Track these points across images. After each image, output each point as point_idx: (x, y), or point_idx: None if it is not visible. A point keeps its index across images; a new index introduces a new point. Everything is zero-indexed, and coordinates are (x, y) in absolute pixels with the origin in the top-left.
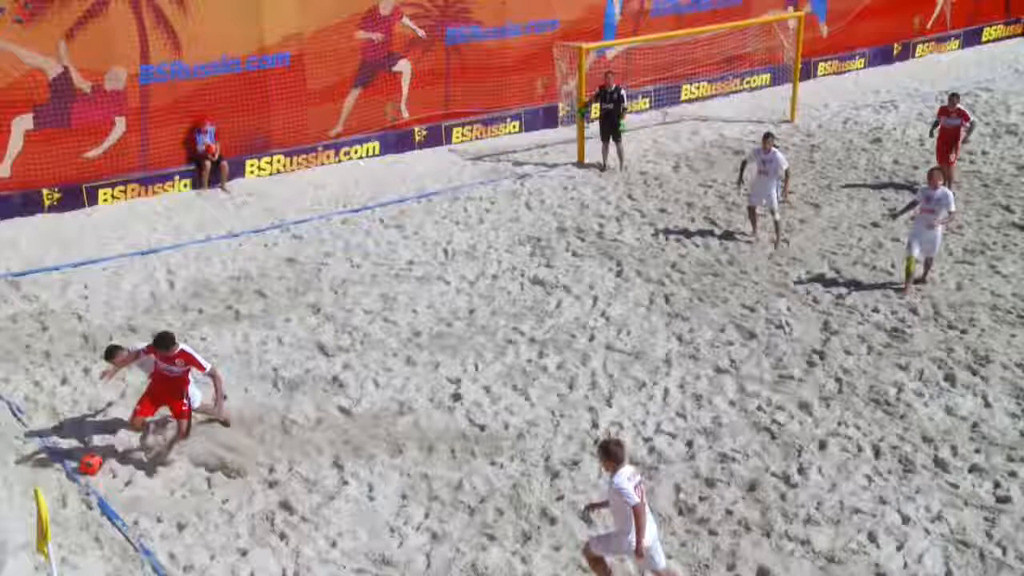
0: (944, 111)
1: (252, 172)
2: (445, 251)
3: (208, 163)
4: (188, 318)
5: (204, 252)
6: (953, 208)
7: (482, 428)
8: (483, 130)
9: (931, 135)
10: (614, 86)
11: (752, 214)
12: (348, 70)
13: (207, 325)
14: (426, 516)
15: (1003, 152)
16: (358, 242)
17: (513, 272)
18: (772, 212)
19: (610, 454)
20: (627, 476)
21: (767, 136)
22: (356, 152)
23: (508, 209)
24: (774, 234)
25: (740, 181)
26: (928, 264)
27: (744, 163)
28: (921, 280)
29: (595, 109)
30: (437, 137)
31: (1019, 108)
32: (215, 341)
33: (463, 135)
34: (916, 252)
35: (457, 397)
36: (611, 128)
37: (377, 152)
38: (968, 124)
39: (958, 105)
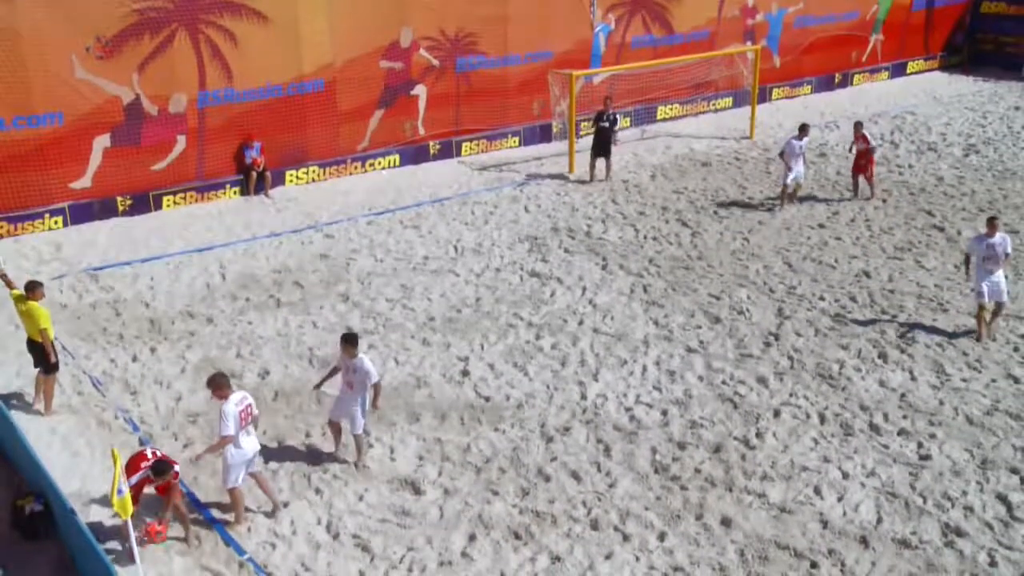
0: (855, 136)
1: (292, 181)
2: (455, 248)
3: (254, 173)
4: (237, 305)
5: (250, 249)
6: (1010, 251)
7: (487, 399)
8: (488, 144)
9: (849, 151)
10: (611, 111)
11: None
12: (373, 94)
13: (253, 311)
14: (439, 474)
15: (925, 166)
16: (381, 240)
17: (513, 266)
18: None
19: (216, 384)
20: (235, 402)
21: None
22: (380, 163)
23: (509, 212)
24: None
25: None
26: (998, 310)
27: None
28: (988, 324)
29: (584, 127)
30: (449, 151)
31: (938, 129)
32: (259, 325)
33: (471, 149)
34: (986, 299)
35: (466, 373)
36: (603, 145)
37: (398, 164)
38: (870, 147)
39: (862, 131)
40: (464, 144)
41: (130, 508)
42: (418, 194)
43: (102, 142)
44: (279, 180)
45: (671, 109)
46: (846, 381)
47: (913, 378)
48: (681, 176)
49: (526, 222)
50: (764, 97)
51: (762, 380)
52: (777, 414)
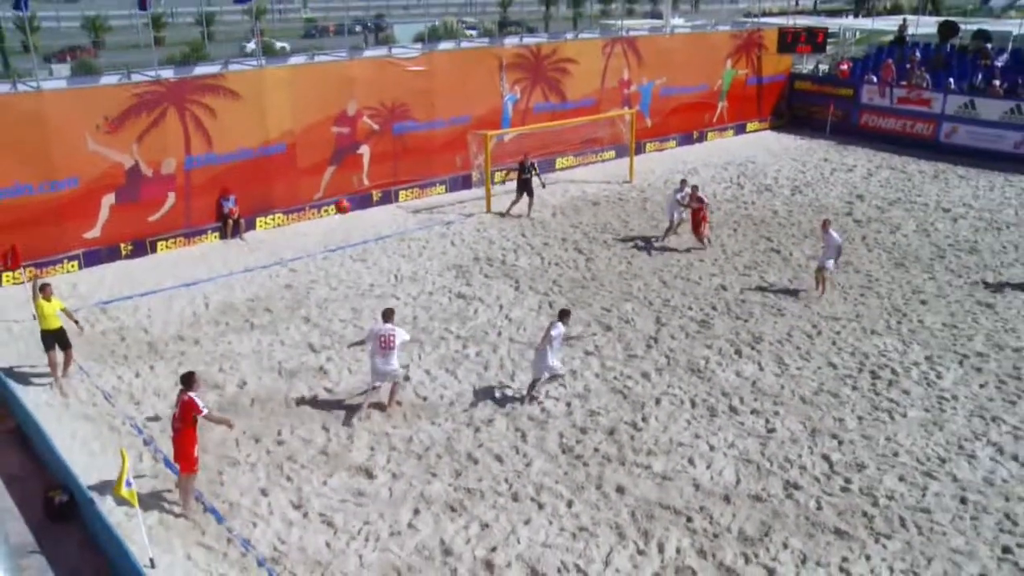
0: (691, 196)
1: (261, 226)
2: (395, 276)
3: (231, 221)
4: (219, 329)
5: (229, 283)
6: (840, 242)
7: (425, 399)
8: (420, 192)
9: (686, 205)
10: (530, 161)
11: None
12: (326, 153)
13: (232, 334)
14: (388, 461)
15: (764, 203)
16: (335, 272)
17: (443, 290)
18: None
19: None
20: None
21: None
22: (332, 210)
23: (439, 246)
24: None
25: None
26: (826, 274)
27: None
28: (823, 283)
29: (499, 176)
30: (388, 198)
31: (772, 174)
32: (237, 345)
33: (406, 196)
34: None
35: (407, 378)
36: (526, 188)
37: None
38: (704, 205)
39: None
40: (401, 192)
41: (136, 498)
42: (364, 234)
43: (109, 200)
44: (251, 225)
45: (567, 160)
46: (711, 373)
47: (761, 368)
48: (576, 213)
49: (453, 254)
50: (640, 150)
51: (645, 375)
52: (658, 402)
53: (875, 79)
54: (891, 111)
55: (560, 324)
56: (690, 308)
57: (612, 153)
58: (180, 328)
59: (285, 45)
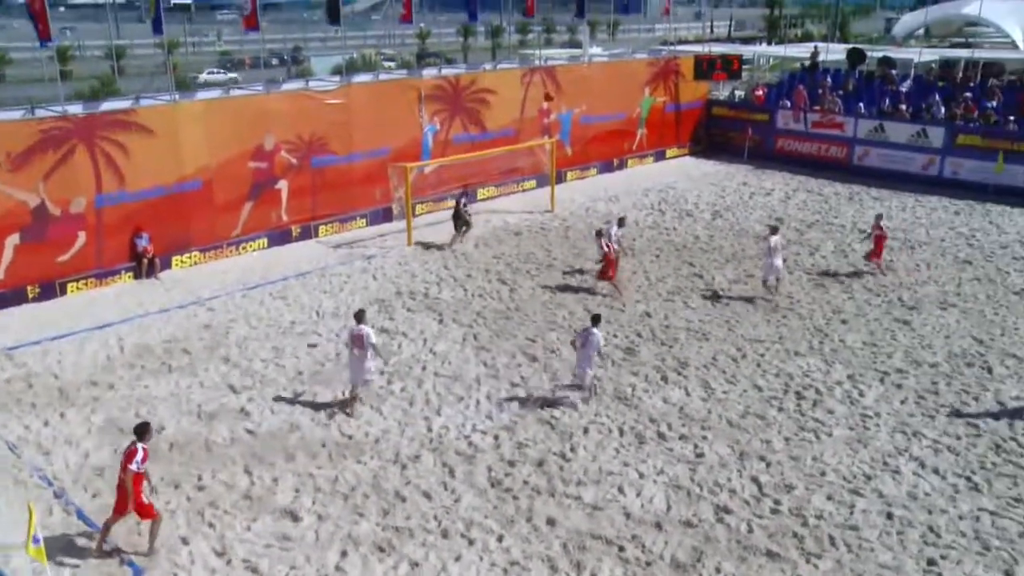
0: (598, 241)
1: (177, 265)
2: (317, 313)
3: (145, 260)
4: (134, 372)
5: (144, 324)
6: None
7: (350, 437)
8: (340, 226)
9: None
10: (466, 192)
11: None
12: (244, 189)
13: (148, 377)
14: (313, 503)
15: (686, 228)
16: (254, 310)
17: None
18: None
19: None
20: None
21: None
22: (251, 247)
23: (360, 281)
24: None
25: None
26: (777, 284)
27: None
28: (774, 293)
29: (420, 208)
30: (308, 233)
31: (692, 200)
32: (154, 388)
33: (326, 231)
34: (770, 279)
35: (331, 416)
36: (459, 219)
37: (266, 246)
38: (611, 251)
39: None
40: (320, 227)
41: (44, 555)
42: (284, 270)
43: (13, 240)
44: (166, 264)
45: (488, 191)
46: (638, 400)
47: (688, 394)
48: (499, 244)
49: (374, 288)
50: (561, 178)
51: (572, 404)
52: (586, 431)
53: (789, 104)
54: (806, 135)
55: (596, 330)
56: (615, 336)
57: (533, 183)
58: (93, 372)
59: (236, 76)
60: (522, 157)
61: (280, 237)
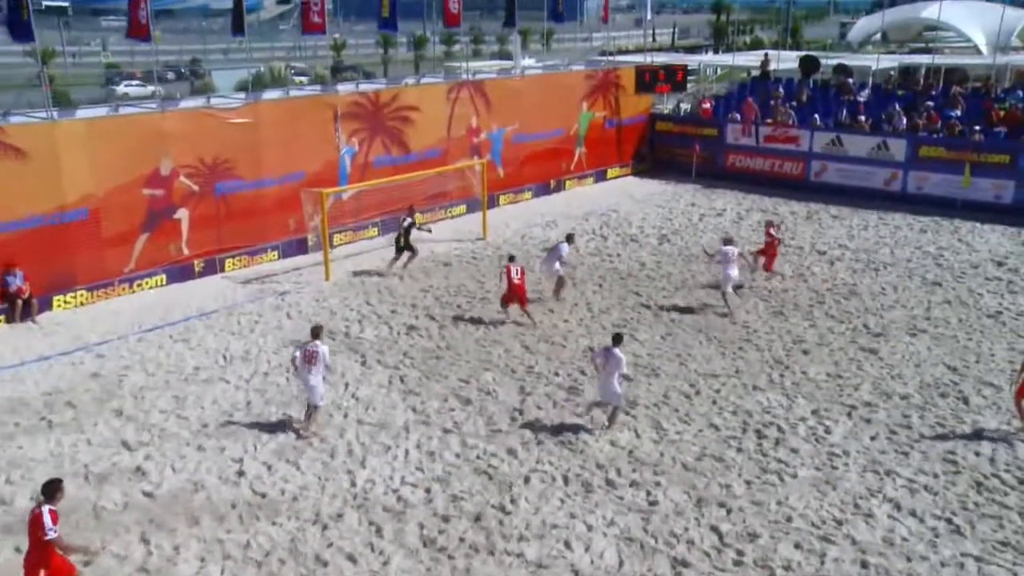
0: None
1: (59, 306)
2: (224, 357)
3: (19, 301)
4: (5, 431)
5: (19, 375)
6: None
7: (263, 496)
8: (249, 260)
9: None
10: (409, 216)
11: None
12: (137, 219)
13: (22, 435)
14: (222, 572)
15: (630, 254)
16: (152, 355)
17: (280, 369)
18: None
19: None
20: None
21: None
22: (147, 284)
23: (273, 320)
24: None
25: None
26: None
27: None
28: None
29: (337, 238)
30: (213, 267)
31: (637, 223)
32: (30, 448)
33: (234, 264)
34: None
35: (241, 473)
36: (403, 244)
37: (165, 283)
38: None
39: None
40: (227, 260)
41: None
42: (186, 309)
43: None
44: (46, 305)
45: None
46: (583, 444)
47: (638, 435)
48: (427, 276)
49: (289, 328)
50: (493, 203)
51: (512, 451)
52: (527, 480)
53: (739, 118)
54: (758, 151)
55: (617, 350)
56: (556, 374)
57: (463, 208)
58: None
59: (159, 89)
60: (450, 180)
61: (181, 273)
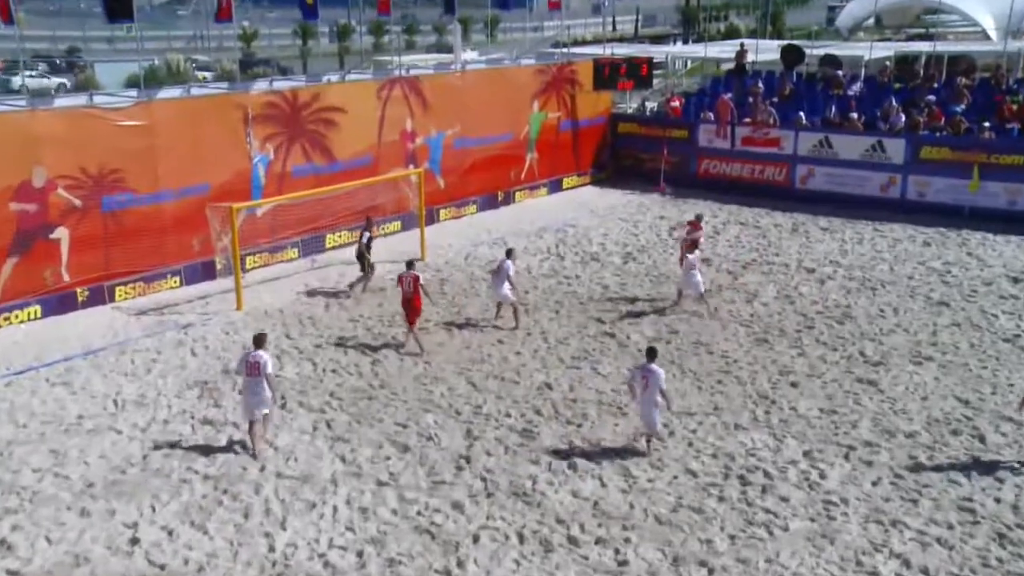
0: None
1: None
2: (115, 402)
3: None
4: None
5: None
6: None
7: (162, 567)
8: (145, 287)
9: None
10: (366, 236)
11: None
12: (3, 240)
13: None
14: None
15: (591, 276)
16: (23, 403)
17: (183, 415)
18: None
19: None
20: None
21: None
22: (17, 317)
23: (174, 357)
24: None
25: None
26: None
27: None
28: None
29: (251, 261)
30: (100, 296)
31: (598, 240)
32: None
33: (126, 293)
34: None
35: (135, 541)
36: (364, 260)
37: (39, 315)
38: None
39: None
40: (118, 288)
41: None
42: (66, 347)
43: None
44: None
45: (340, 236)
46: (540, 496)
47: (603, 484)
48: (356, 304)
49: (194, 366)
50: (432, 218)
51: (458, 506)
52: (476, 539)
53: (712, 117)
54: (735, 155)
55: (655, 366)
56: (508, 415)
57: (397, 224)
58: None
59: (65, 81)
60: (382, 193)
61: (60, 303)
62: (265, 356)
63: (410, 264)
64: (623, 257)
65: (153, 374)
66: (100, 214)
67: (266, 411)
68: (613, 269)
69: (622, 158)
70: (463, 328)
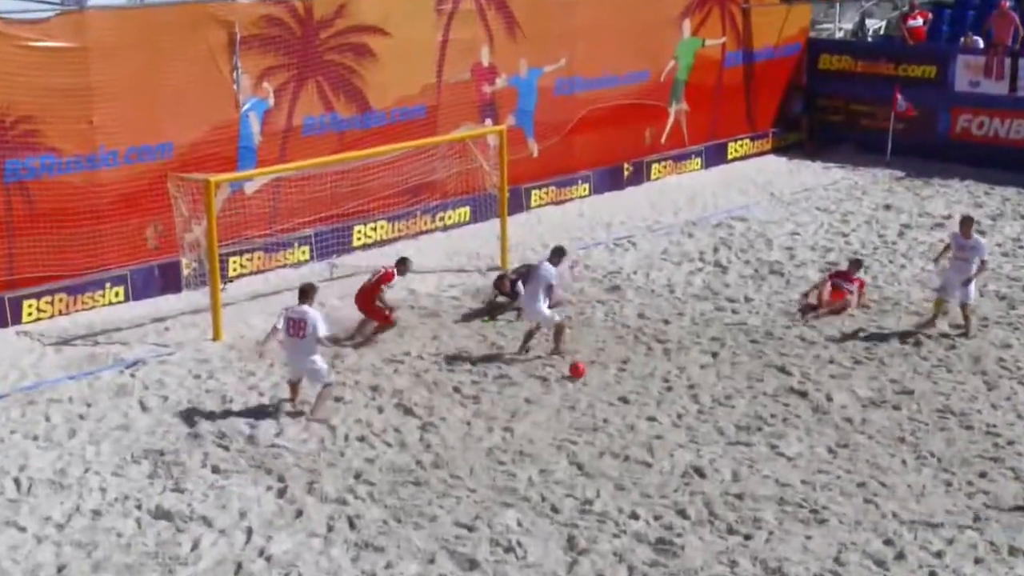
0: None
1: None
2: (16, 482)
3: None
4: None
5: None
6: (986, 256)
7: None
8: (70, 301)
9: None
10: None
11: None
12: None
13: None
14: None
15: (769, 297)
16: None
17: (125, 503)
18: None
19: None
20: None
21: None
22: None
23: (114, 412)
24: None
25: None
26: (966, 315)
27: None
28: (964, 334)
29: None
30: (2, 315)
31: (782, 242)
32: None
33: (39, 310)
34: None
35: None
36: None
37: None
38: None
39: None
40: (25, 303)
41: None
42: None
43: None
44: None
45: (375, 229)
46: None
47: None
48: (398, 337)
49: (143, 427)
50: (519, 204)
51: None
52: None
53: (981, 43)
54: (1017, 104)
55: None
56: (634, 516)
57: (464, 212)
58: None
59: None
60: (443, 162)
61: None
62: (313, 313)
63: (404, 260)
64: (822, 268)
65: (79, 438)
66: (1, 186)
67: (319, 384)
68: (805, 288)
69: (825, 112)
70: (563, 379)
